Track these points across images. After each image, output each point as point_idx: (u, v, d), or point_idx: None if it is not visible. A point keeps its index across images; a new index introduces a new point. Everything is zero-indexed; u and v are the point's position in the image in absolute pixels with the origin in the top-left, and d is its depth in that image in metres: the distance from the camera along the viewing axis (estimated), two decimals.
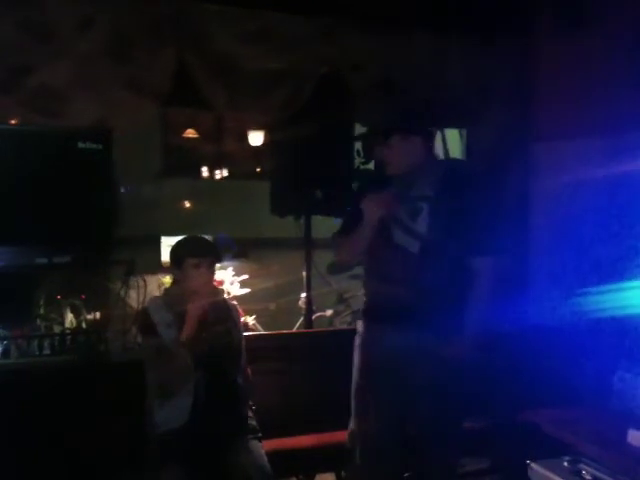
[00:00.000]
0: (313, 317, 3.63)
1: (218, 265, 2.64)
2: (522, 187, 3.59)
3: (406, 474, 2.62)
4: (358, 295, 2.91)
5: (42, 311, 2.11)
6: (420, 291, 2.31)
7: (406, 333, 2.34)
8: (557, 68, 3.49)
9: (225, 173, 5.29)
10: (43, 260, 1.95)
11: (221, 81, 2.99)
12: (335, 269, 3.74)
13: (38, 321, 2.06)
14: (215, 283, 2.82)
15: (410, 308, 2.31)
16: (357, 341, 2.50)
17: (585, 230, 3.35)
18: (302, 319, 3.61)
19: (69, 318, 2.37)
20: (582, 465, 2.43)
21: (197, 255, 2.47)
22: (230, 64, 3.01)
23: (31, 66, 2.68)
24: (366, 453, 2.45)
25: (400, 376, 2.38)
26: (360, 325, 2.50)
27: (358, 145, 3.45)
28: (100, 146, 1.99)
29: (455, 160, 3.57)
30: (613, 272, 3.11)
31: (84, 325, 2.10)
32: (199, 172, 5.22)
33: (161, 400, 2.36)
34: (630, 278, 2.99)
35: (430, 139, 2.43)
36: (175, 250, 2.55)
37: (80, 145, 1.98)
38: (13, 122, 2.55)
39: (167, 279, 3.03)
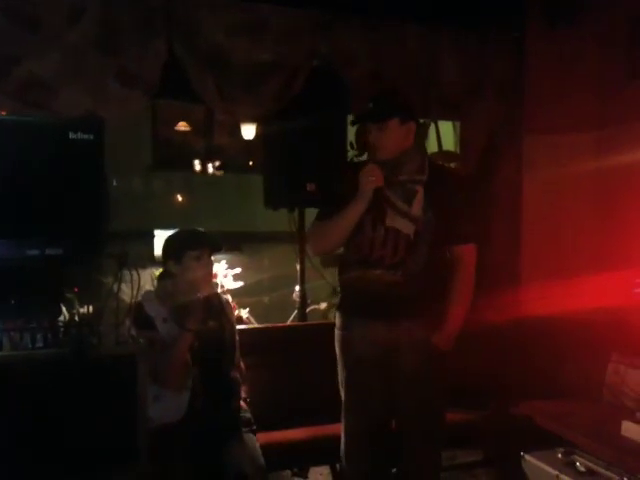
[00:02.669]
0: (307, 310, 3.63)
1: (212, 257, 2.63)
2: (515, 179, 3.60)
3: (393, 470, 2.63)
4: None
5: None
6: (409, 276, 2.31)
7: (392, 324, 2.33)
8: (550, 62, 3.49)
9: (218, 166, 5.26)
10: (35, 252, 1.93)
11: (212, 73, 2.97)
12: (329, 262, 3.73)
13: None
14: None
15: (398, 295, 2.30)
16: (337, 337, 2.47)
17: (577, 221, 3.36)
18: (296, 312, 3.61)
19: (62, 311, 2.35)
20: (576, 456, 2.45)
21: (198, 247, 2.47)
22: (221, 56, 2.98)
23: (20, 56, 2.65)
24: (351, 449, 2.45)
25: (385, 370, 2.38)
26: (339, 321, 2.47)
27: (351, 137, 3.44)
28: (92, 136, 1.96)
29: (450, 153, 3.60)
30: (605, 263, 3.12)
31: (77, 318, 2.08)
32: (191, 165, 5.19)
33: (156, 395, 2.36)
34: (622, 269, 3.00)
35: (419, 127, 2.44)
36: (172, 244, 2.54)
37: (71, 135, 1.95)
38: (2, 113, 2.52)
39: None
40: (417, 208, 2.32)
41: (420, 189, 2.33)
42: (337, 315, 2.50)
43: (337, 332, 2.47)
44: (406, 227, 2.31)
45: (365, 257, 2.34)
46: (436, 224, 2.32)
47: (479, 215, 2.51)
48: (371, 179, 2.27)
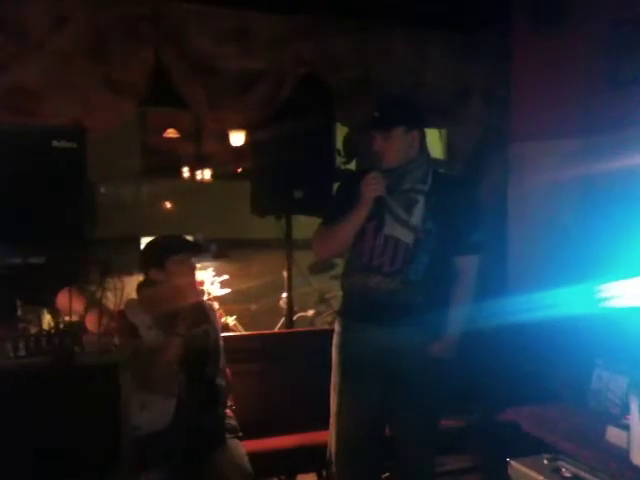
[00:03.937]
0: (294, 317, 3.63)
1: (198, 265, 2.63)
2: (501, 186, 3.62)
3: (384, 475, 2.62)
4: (339, 295, 2.94)
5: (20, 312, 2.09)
6: (409, 284, 2.32)
7: (391, 331, 2.34)
8: (536, 69, 3.51)
9: (206, 173, 5.27)
10: (17, 260, 1.92)
11: (199, 80, 2.98)
12: (316, 269, 3.74)
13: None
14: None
15: (397, 302, 2.32)
16: (336, 341, 2.48)
17: (562, 228, 3.38)
18: (283, 319, 3.60)
19: (46, 319, 2.33)
20: (561, 462, 2.45)
21: (181, 251, 2.47)
22: (208, 63, 3.00)
23: (6, 64, 2.65)
24: (344, 454, 2.45)
25: (382, 376, 2.39)
26: (339, 325, 2.49)
27: (339, 145, 3.45)
28: (74, 144, 1.96)
29: (436, 160, 3.62)
30: (590, 270, 3.14)
31: (62, 326, 2.07)
32: (179, 172, 5.19)
33: (142, 403, 2.35)
34: (607, 275, 3.01)
35: (424, 136, 2.45)
36: (153, 250, 2.52)
37: (54, 144, 1.94)
38: None
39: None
40: (417, 217, 2.33)
41: (421, 198, 2.34)
42: (337, 320, 2.51)
43: (336, 337, 2.48)
44: (405, 236, 2.32)
45: (366, 263, 2.37)
46: (437, 233, 2.33)
47: (483, 225, 2.50)
48: (372, 187, 2.28)
